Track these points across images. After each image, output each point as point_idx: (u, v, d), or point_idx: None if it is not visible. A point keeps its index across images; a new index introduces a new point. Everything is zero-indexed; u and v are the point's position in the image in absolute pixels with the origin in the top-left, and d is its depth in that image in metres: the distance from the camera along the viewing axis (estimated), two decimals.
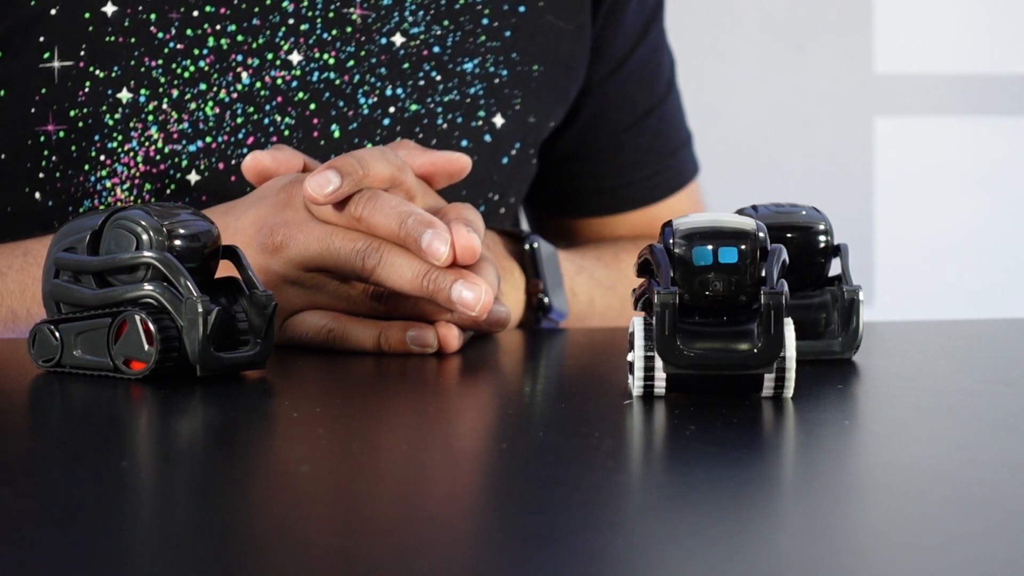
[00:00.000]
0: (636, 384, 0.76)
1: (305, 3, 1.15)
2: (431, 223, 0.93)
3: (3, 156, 1.14)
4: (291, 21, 1.15)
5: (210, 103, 1.14)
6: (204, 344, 0.81)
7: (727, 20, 2.13)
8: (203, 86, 1.14)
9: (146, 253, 0.82)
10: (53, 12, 1.12)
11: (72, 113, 1.12)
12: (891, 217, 2.18)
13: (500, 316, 0.98)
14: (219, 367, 0.82)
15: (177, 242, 0.83)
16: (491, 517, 0.57)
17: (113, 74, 1.12)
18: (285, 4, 1.14)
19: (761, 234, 0.76)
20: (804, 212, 0.92)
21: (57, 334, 0.85)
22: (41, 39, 1.12)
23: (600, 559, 0.51)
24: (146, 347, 0.82)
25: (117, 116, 1.12)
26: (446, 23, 1.18)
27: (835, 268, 0.91)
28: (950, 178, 2.19)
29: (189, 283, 0.81)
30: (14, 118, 1.13)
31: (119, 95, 1.12)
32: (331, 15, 1.15)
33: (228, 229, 0.96)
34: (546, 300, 1.11)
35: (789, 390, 0.75)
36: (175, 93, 1.13)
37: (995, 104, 2.18)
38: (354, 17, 1.16)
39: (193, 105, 1.13)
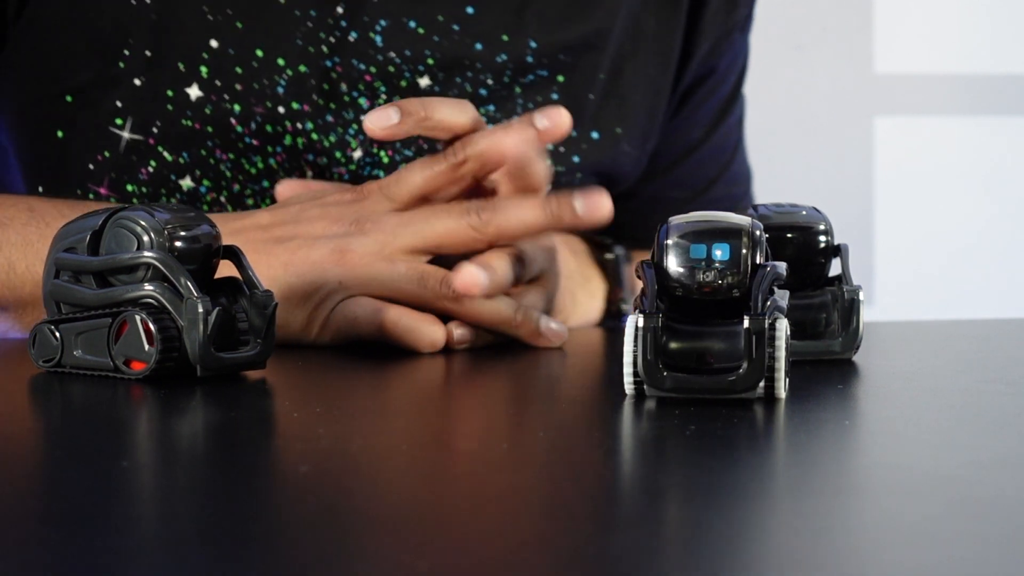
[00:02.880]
0: (626, 384, 0.76)
1: (382, 100, 1.11)
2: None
3: (42, 191, 1.11)
4: (362, 118, 1.07)
5: (267, 201, 1.10)
6: (204, 344, 0.81)
7: None
8: (266, 183, 1.10)
9: (146, 253, 0.82)
10: (137, 82, 1.08)
11: (130, 188, 1.09)
12: (891, 217, 2.18)
13: (559, 333, 0.98)
14: (219, 367, 0.82)
15: (178, 243, 0.83)
16: (490, 517, 0.57)
17: (181, 159, 1.09)
18: (360, 100, 1.11)
19: (757, 232, 0.76)
20: (804, 212, 0.92)
21: (57, 334, 0.85)
22: (118, 104, 1.08)
23: (599, 559, 0.51)
24: (146, 347, 0.82)
25: (173, 200, 1.09)
26: None
27: (835, 268, 0.91)
28: (950, 178, 2.19)
29: (189, 283, 0.81)
30: (71, 172, 1.10)
31: (181, 181, 1.09)
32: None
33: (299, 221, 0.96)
34: (624, 307, 1.13)
35: (780, 391, 0.75)
36: (236, 187, 1.10)
37: (995, 104, 2.18)
38: None
39: (251, 201, 1.10)
